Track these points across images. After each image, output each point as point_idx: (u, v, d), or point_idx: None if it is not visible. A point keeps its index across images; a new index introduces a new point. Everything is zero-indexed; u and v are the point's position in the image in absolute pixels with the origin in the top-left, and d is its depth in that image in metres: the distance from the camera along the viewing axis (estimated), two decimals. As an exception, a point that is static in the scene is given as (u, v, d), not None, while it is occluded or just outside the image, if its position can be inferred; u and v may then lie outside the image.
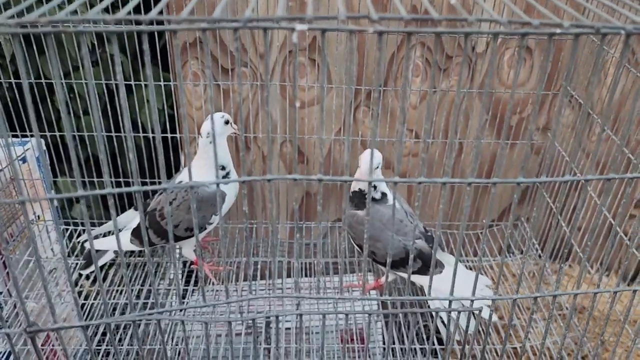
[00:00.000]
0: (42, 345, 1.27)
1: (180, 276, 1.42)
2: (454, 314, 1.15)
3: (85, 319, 1.26)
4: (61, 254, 1.37)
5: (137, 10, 1.13)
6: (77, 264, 1.32)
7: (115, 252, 1.24)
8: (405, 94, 1.42)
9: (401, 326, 1.33)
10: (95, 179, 1.45)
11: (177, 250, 1.42)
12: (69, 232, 1.46)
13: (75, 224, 1.48)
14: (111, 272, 1.41)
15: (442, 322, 1.19)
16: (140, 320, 0.54)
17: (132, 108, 1.48)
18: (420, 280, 1.20)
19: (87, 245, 1.40)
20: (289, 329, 1.29)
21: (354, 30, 0.43)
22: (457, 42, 1.39)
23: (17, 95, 1.29)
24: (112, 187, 0.49)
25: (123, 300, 1.30)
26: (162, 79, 1.40)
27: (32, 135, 1.35)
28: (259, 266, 1.44)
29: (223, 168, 1.19)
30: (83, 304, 1.30)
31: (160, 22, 0.42)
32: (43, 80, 1.31)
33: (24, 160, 1.32)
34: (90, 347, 0.53)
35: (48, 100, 1.33)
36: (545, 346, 1.22)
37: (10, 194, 1.28)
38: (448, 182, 0.49)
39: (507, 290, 1.38)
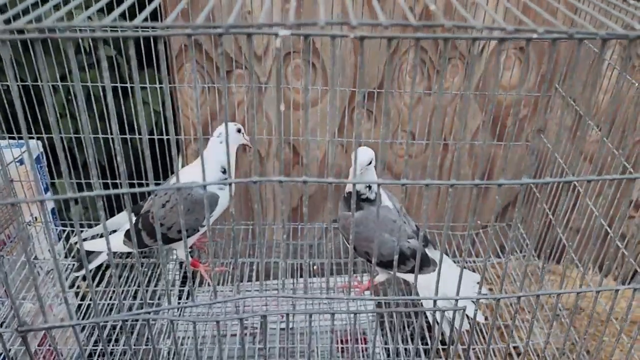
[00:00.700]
0: (40, 346, 1.28)
1: (172, 277, 1.43)
2: (443, 313, 1.16)
3: (83, 319, 1.27)
4: (51, 255, 1.38)
5: (132, 13, 1.15)
6: (73, 264, 1.33)
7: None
8: (389, 97, 1.43)
9: (393, 326, 1.33)
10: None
11: (174, 252, 1.43)
12: (66, 233, 1.47)
13: (72, 225, 1.50)
14: (107, 273, 1.42)
15: (436, 321, 1.20)
16: (130, 319, 0.55)
17: (128, 110, 1.49)
18: (413, 277, 1.20)
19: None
20: (283, 329, 1.29)
21: (336, 35, 0.44)
22: (445, 44, 1.40)
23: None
24: (102, 188, 0.50)
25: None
26: (157, 82, 1.41)
27: (22, 139, 1.36)
28: (254, 267, 1.45)
29: (224, 171, 1.21)
30: (80, 305, 1.31)
31: (147, 28, 0.43)
32: (40, 83, 1.32)
33: (21, 162, 1.33)
34: (80, 346, 0.54)
35: (45, 102, 1.34)
36: (538, 346, 1.23)
37: (8, 195, 1.29)
38: (431, 184, 0.50)
39: (502, 290, 1.39)
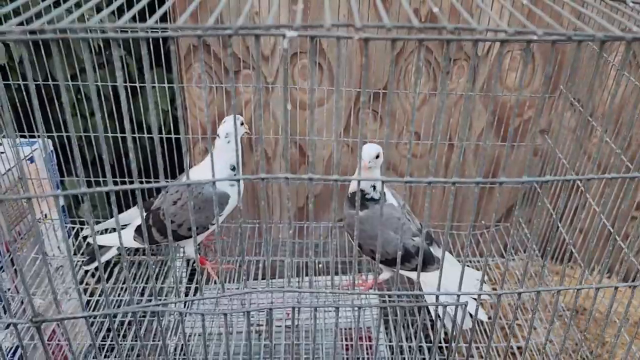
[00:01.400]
0: (48, 341, 1.30)
1: (179, 274, 1.45)
2: (445, 308, 1.17)
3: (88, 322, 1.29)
4: (61, 251, 1.40)
5: (142, 15, 1.17)
6: (82, 261, 1.36)
7: (118, 248, 1.27)
8: (395, 97, 1.44)
9: (397, 324, 1.35)
10: (100, 179, 1.48)
11: (181, 249, 1.45)
12: (75, 230, 1.50)
13: (82, 222, 1.52)
14: (116, 270, 1.44)
15: (438, 316, 1.21)
16: (139, 311, 0.57)
17: (137, 110, 1.51)
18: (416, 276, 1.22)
19: (90, 240, 1.43)
20: (289, 327, 1.31)
21: (341, 37, 0.45)
22: (447, 45, 1.41)
23: (25, 97, 1.33)
24: (114, 185, 0.51)
25: (127, 297, 1.33)
26: (166, 81, 1.43)
27: (39, 136, 1.38)
28: (260, 265, 1.47)
29: (234, 169, 1.23)
30: (88, 301, 1.33)
31: (159, 30, 0.44)
32: (51, 82, 1.35)
33: (31, 160, 1.35)
34: (92, 337, 0.56)
35: (55, 102, 1.37)
36: (542, 345, 1.23)
37: (17, 193, 1.31)
38: (433, 182, 0.51)
39: (503, 287, 1.40)
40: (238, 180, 1.25)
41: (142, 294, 1.36)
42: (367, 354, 1.27)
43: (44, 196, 0.46)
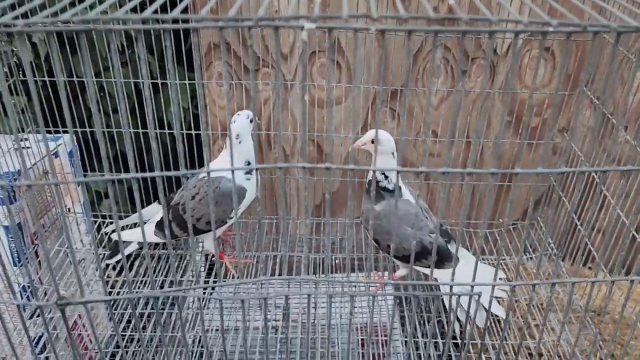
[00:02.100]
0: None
1: (199, 267, 1.47)
2: (461, 301, 1.18)
3: (113, 306, 1.32)
4: (84, 244, 1.43)
5: (163, 9, 1.20)
6: (104, 254, 1.39)
7: (139, 243, 1.29)
8: (414, 96, 1.43)
9: (412, 320, 1.35)
10: (122, 176, 1.50)
11: (200, 244, 1.47)
12: (97, 224, 1.53)
13: (104, 217, 1.55)
14: (136, 263, 1.46)
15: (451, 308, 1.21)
16: (161, 297, 0.58)
17: (158, 106, 1.54)
18: (435, 273, 1.22)
19: (113, 236, 1.46)
20: (305, 323, 1.32)
21: (358, 28, 0.46)
22: (473, 42, 1.41)
23: (50, 93, 1.36)
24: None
25: (147, 291, 1.36)
26: (187, 79, 1.46)
27: (64, 131, 1.42)
28: (277, 260, 1.48)
29: (248, 163, 1.25)
30: (110, 292, 1.36)
31: (182, 21, 0.46)
32: (75, 79, 1.38)
33: (55, 155, 1.39)
34: (113, 322, 0.58)
35: (80, 98, 1.40)
36: (559, 344, 1.23)
37: (42, 187, 1.35)
38: (447, 172, 0.52)
39: (517, 277, 1.39)
40: (254, 170, 1.26)
41: (161, 287, 1.38)
42: (382, 349, 1.28)
43: (69, 182, 0.47)
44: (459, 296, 0.64)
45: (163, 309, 1.31)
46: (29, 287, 1.25)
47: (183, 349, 1.17)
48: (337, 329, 1.32)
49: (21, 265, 1.24)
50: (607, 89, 1.17)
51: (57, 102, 1.36)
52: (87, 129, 1.45)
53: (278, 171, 1.38)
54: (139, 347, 1.10)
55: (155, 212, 1.39)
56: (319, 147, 1.56)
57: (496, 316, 1.27)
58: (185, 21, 0.46)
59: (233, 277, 1.42)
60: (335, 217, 1.63)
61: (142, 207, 1.42)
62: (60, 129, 1.41)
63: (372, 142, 1.15)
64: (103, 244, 1.48)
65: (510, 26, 0.46)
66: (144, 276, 1.41)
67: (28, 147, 1.34)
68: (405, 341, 1.23)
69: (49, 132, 1.42)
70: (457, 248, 0.66)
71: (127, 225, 1.44)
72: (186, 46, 1.53)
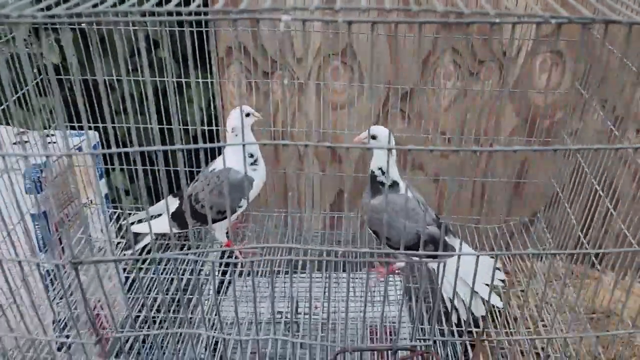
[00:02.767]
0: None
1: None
2: (461, 295, 1.23)
3: (129, 292, 1.39)
4: (103, 232, 1.50)
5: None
6: (120, 242, 1.47)
7: (155, 234, 1.37)
8: (424, 98, 1.47)
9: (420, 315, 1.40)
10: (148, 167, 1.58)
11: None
12: (116, 215, 1.61)
13: (122, 209, 1.63)
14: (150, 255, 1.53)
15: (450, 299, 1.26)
16: (180, 259, 0.65)
17: (182, 106, 1.62)
18: (432, 264, 1.28)
19: (133, 228, 1.54)
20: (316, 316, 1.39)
21: (327, 20, 0.52)
22: (482, 44, 1.46)
23: (83, 91, 1.45)
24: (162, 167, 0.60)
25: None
26: (208, 78, 1.54)
27: (95, 127, 1.51)
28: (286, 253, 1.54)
29: (251, 156, 1.32)
30: (127, 277, 1.44)
31: (199, 14, 0.53)
32: (99, 78, 1.46)
33: (79, 149, 1.47)
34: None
35: (109, 97, 1.49)
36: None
37: (67, 178, 1.43)
38: (435, 150, 0.58)
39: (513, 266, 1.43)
40: (259, 160, 1.33)
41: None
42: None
43: (86, 154, 0.53)
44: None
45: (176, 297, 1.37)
46: (52, 271, 1.33)
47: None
48: (345, 324, 1.36)
49: (46, 251, 1.33)
50: (623, 91, 1.19)
51: (89, 99, 1.45)
52: (110, 124, 1.52)
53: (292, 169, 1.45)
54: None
55: (169, 204, 1.47)
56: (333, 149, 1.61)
57: (496, 307, 1.31)
58: (179, 14, 0.52)
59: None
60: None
61: (159, 199, 1.51)
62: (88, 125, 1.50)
63: (373, 137, 1.21)
64: (121, 234, 1.56)
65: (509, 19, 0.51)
66: (159, 263, 1.48)
67: (54, 142, 1.43)
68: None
69: (72, 128, 1.50)
70: (461, 242, 0.71)
71: (144, 219, 1.52)
72: (208, 45, 1.61)
